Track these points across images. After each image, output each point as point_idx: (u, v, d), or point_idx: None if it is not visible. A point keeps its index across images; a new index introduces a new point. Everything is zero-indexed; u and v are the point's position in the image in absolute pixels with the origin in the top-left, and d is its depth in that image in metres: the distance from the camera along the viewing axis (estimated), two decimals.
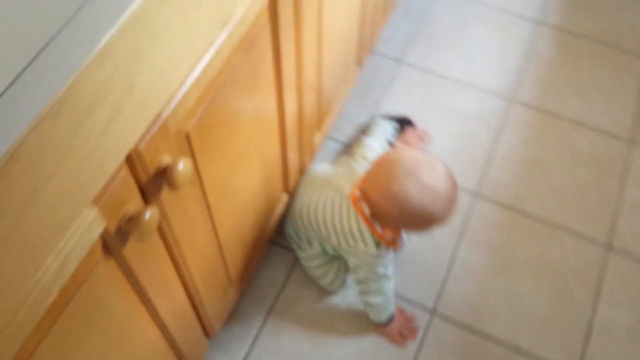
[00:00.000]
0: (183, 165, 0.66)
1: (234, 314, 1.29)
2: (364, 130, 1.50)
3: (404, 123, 1.51)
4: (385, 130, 1.43)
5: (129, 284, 0.73)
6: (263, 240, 1.22)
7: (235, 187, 0.94)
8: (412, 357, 1.26)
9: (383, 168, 1.04)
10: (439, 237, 1.41)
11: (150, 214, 0.63)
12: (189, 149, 0.73)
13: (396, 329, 1.26)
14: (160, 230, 0.75)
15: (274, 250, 1.38)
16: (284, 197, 1.26)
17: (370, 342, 1.28)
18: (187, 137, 0.71)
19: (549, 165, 1.52)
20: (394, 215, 1.01)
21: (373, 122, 1.50)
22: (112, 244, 0.64)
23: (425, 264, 1.37)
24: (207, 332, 1.12)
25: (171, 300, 0.88)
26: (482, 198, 1.46)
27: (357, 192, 1.08)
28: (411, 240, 1.36)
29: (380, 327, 1.26)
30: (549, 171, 1.51)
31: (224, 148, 0.83)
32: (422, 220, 1.02)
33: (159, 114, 0.62)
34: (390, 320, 1.24)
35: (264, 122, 0.95)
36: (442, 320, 1.30)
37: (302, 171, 1.32)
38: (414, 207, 0.99)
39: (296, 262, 1.36)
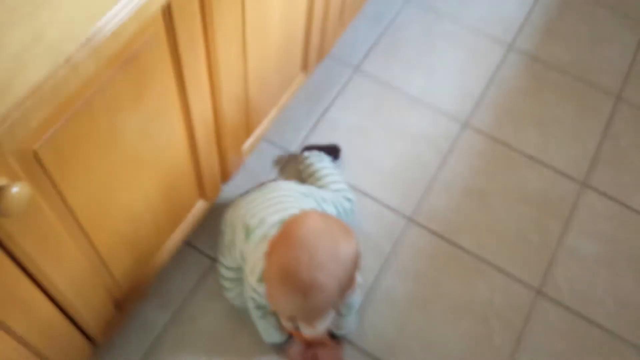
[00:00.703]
0: (19, 189, 0.60)
1: (134, 318, 1.24)
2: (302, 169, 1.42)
3: (331, 152, 1.43)
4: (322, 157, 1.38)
5: None
6: (169, 247, 1.16)
7: (119, 202, 0.88)
8: None
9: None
10: (364, 260, 1.35)
11: None
12: (40, 169, 0.66)
13: (300, 356, 1.20)
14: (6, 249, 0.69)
15: (190, 253, 1.32)
16: (201, 204, 1.20)
17: None
18: (36, 157, 0.65)
19: (492, 198, 1.46)
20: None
21: (304, 159, 1.41)
22: None
23: None
24: (90, 340, 1.07)
25: (31, 315, 0.82)
26: (416, 224, 1.41)
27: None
28: None
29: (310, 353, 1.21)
30: (490, 205, 1.45)
31: (96, 165, 0.77)
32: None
33: None
34: (288, 343, 1.18)
35: (158, 135, 0.88)
36: (352, 349, 1.25)
37: (226, 178, 1.26)
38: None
39: (210, 270, 1.30)
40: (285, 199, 1.11)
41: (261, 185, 1.21)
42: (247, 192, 1.21)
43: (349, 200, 1.30)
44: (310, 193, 1.19)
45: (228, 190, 1.34)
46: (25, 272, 0.75)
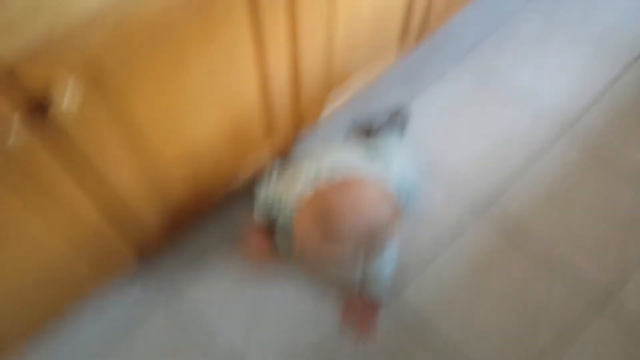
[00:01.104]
0: (70, 93, 0.70)
1: (187, 237, 1.35)
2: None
3: (397, 120, 1.44)
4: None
5: (16, 195, 0.79)
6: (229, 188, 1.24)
7: (182, 132, 0.97)
8: None
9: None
10: (423, 241, 1.36)
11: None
12: (109, 82, 0.76)
13: (360, 311, 1.25)
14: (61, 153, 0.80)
15: (247, 196, 1.38)
16: (267, 156, 1.27)
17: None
18: (103, 69, 0.74)
19: (576, 209, 1.40)
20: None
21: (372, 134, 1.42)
22: None
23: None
24: (137, 250, 1.18)
25: (77, 218, 0.93)
26: (485, 218, 1.39)
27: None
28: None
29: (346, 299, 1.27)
30: (572, 216, 1.39)
31: (163, 89, 0.85)
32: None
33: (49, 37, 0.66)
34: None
35: (227, 80, 0.95)
36: (387, 319, 1.29)
37: (298, 139, 1.31)
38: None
39: None
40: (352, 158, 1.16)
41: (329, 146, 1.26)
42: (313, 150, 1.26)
43: (412, 181, 1.30)
44: (375, 159, 1.22)
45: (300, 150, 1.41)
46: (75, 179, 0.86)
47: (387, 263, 1.14)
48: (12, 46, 0.63)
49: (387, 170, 1.22)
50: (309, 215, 0.91)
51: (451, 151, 1.47)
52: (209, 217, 1.35)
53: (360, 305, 1.26)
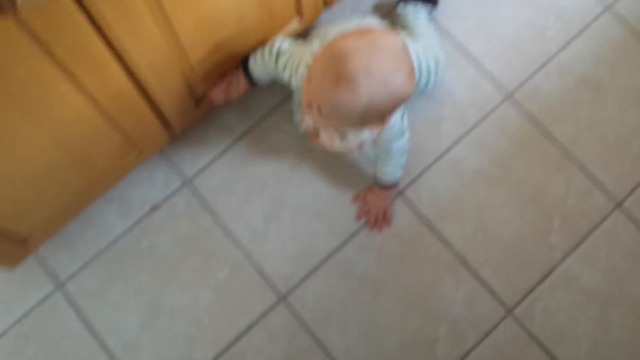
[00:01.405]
0: None
1: (214, 120, 1.31)
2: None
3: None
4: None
5: (41, 51, 0.75)
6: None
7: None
8: None
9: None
10: (443, 125, 1.31)
11: None
12: None
13: (377, 208, 1.23)
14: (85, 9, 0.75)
15: None
16: (296, 23, 1.19)
17: (337, 193, 1.28)
18: None
19: (607, 95, 1.33)
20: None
21: (400, 9, 1.31)
22: (2, 2, 0.64)
23: (414, 147, 1.28)
24: (167, 127, 1.15)
25: (105, 80, 0.89)
26: (513, 101, 1.32)
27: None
28: (411, 118, 1.28)
29: (362, 194, 1.25)
30: (602, 101, 1.32)
31: None
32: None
33: None
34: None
35: None
36: (404, 205, 1.27)
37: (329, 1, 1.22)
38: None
39: (291, 95, 1.32)
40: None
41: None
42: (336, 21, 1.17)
43: (437, 60, 1.22)
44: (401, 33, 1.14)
45: (329, 16, 1.31)
46: (102, 36, 0.81)
47: (399, 137, 1.10)
48: None
49: (412, 46, 1.14)
50: (324, 57, 0.87)
51: (488, 24, 1.37)
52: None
53: (375, 195, 1.23)
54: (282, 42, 1.11)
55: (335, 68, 0.84)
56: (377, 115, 0.90)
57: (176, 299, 1.23)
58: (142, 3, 0.82)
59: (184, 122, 1.18)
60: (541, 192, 1.27)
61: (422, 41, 1.23)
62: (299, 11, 1.17)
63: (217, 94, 1.18)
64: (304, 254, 1.24)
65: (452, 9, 1.37)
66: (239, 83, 1.19)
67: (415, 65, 1.15)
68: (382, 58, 0.85)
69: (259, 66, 1.14)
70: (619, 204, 1.27)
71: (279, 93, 1.32)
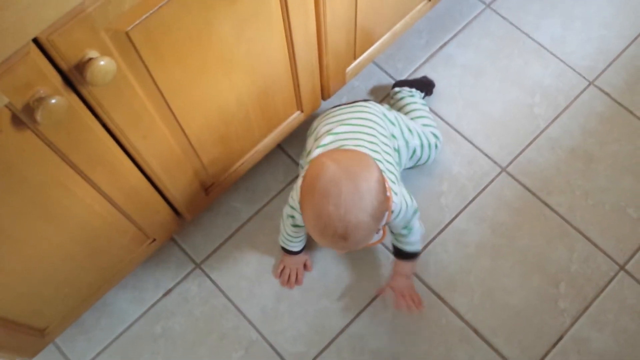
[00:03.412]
0: (105, 63, 0.70)
1: (222, 205, 1.37)
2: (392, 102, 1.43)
3: (424, 87, 1.42)
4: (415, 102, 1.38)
5: (57, 157, 0.81)
6: (261, 148, 1.25)
7: (210, 97, 0.97)
8: None
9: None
10: (443, 199, 1.37)
11: (56, 100, 0.68)
12: (132, 49, 0.76)
13: (407, 291, 1.25)
14: (100, 119, 0.82)
15: (281, 158, 1.41)
16: (298, 115, 1.27)
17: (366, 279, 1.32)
18: (128, 37, 0.74)
19: (598, 165, 1.39)
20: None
21: (395, 94, 1.41)
22: (23, 118, 0.70)
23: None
24: (179, 214, 1.21)
25: (119, 180, 0.95)
26: (509, 175, 1.39)
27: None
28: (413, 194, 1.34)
29: (385, 285, 1.27)
30: (595, 171, 1.39)
31: (187, 56, 0.85)
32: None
33: (80, 8, 0.65)
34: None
35: (254, 40, 0.95)
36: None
37: (326, 94, 1.31)
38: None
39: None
40: (369, 120, 1.15)
41: (353, 102, 1.25)
42: (337, 106, 1.25)
43: (436, 137, 1.30)
44: (397, 121, 1.21)
45: (328, 104, 1.39)
46: (114, 140, 0.88)
47: (412, 211, 1.13)
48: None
49: (408, 128, 1.22)
50: (319, 234, 0.91)
51: (478, 104, 1.45)
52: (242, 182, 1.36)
53: (399, 277, 1.25)
54: (286, 208, 1.16)
55: (331, 236, 0.90)
56: (383, 206, 0.93)
57: None
58: (153, 109, 0.88)
59: (195, 211, 1.24)
60: (545, 259, 1.31)
61: (420, 120, 1.31)
62: (299, 106, 1.25)
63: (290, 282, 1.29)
64: (316, 332, 1.26)
65: (442, 93, 1.47)
66: (295, 264, 1.27)
67: (418, 142, 1.23)
68: (345, 194, 0.88)
69: (286, 237, 1.21)
70: (622, 267, 1.30)
71: (282, 179, 1.39)
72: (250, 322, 1.27)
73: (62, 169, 0.83)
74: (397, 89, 1.40)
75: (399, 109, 1.36)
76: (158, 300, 1.30)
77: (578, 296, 1.27)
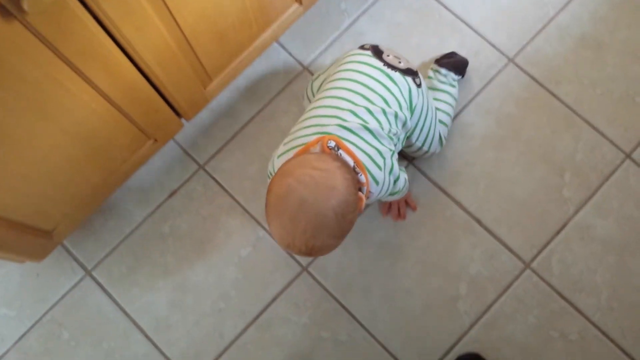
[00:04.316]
0: None
1: (223, 105, 1.35)
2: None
3: (459, 67, 1.32)
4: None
5: (50, 51, 0.78)
6: (260, 44, 1.21)
7: None
8: None
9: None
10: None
11: None
12: None
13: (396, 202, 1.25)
14: (90, 10, 0.78)
15: (281, 56, 1.37)
16: (296, 8, 1.22)
17: None
18: None
19: (608, 53, 1.35)
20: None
21: (436, 71, 1.31)
22: (9, 7, 0.68)
23: None
24: (179, 114, 1.19)
25: (115, 76, 0.92)
26: (516, 66, 1.35)
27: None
28: None
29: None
30: (604, 59, 1.34)
31: None
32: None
33: None
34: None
35: None
36: (416, 171, 1.30)
37: None
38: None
39: (299, 76, 1.36)
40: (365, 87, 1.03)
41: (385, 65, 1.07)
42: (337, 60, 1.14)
43: (441, 139, 1.23)
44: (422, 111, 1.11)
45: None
46: (109, 35, 0.84)
47: (396, 182, 1.06)
48: None
49: (426, 107, 1.12)
50: (276, 235, 0.88)
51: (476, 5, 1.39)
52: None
53: (392, 204, 1.26)
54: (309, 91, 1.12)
55: (297, 253, 0.88)
56: (349, 222, 0.89)
57: (202, 277, 1.26)
58: (145, 1, 0.84)
59: (194, 110, 1.22)
60: (550, 150, 1.30)
61: (439, 114, 1.24)
62: None
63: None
64: None
65: None
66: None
67: (428, 133, 1.16)
68: (305, 221, 0.84)
69: None
70: (628, 155, 1.28)
71: (283, 77, 1.36)
72: (256, 220, 1.28)
73: (56, 65, 0.81)
74: (444, 71, 1.30)
75: (433, 89, 1.28)
76: (164, 201, 1.31)
77: (583, 185, 1.27)
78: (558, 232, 1.25)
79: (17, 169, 0.93)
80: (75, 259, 1.28)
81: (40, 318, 1.25)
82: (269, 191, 0.88)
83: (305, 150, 0.94)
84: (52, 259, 1.27)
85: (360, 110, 0.99)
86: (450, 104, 1.28)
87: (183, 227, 1.29)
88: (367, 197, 0.97)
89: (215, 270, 1.26)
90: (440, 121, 1.23)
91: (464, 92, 1.34)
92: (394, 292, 1.23)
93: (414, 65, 1.09)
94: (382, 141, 0.98)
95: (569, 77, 1.34)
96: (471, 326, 1.22)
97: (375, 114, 0.99)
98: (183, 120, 1.23)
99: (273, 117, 1.34)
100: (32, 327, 1.25)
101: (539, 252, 1.24)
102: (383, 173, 0.98)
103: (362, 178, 0.93)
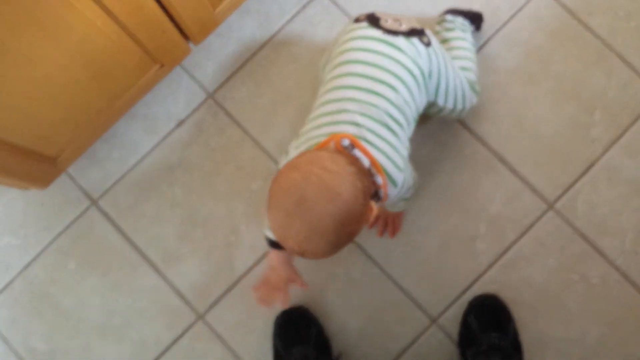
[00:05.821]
0: None
1: (233, 29, 1.27)
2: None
3: (474, 20, 1.21)
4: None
5: None
6: None
7: None
8: None
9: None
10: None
11: None
12: None
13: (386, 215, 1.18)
14: None
15: None
16: None
17: None
18: None
19: None
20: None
21: (446, 21, 1.20)
22: None
23: None
24: (187, 37, 1.12)
25: None
26: None
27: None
28: None
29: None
30: None
31: None
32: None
33: None
34: None
35: None
36: None
37: None
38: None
39: (312, 1, 1.27)
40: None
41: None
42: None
43: (473, 88, 1.11)
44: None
45: None
46: None
47: (410, 186, 1.01)
48: None
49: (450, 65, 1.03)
50: (273, 227, 0.82)
51: None
52: None
53: (385, 217, 1.19)
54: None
55: (290, 249, 0.81)
56: (348, 237, 0.82)
57: (212, 210, 1.22)
58: None
59: (203, 32, 1.15)
60: (580, 86, 1.23)
61: (459, 62, 1.13)
62: None
63: (270, 300, 1.05)
64: None
65: None
66: (280, 267, 1.04)
67: (455, 90, 1.06)
68: (306, 223, 0.79)
69: None
70: None
71: (297, 1, 1.27)
72: (267, 153, 1.23)
73: None
74: (449, 17, 1.19)
75: (445, 41, 1.17)
76: (172, 131, 1.25)
77: (612, 124, 1.21)
78: (584, 173, 1.20)
79: (19, 87, 0.88)
80: (81, 188, 1.24)
81: (46, 247, 1.22)
82: (274, 180, 0.82)
83: (321, 147, 0.87)
84: (56, 188, 1.23)
85: (369, 109, 0.91)
86: (465, 48, 1.16)
87: (192, 159, 1.24)
88: (384, 201, 0.90)
89: (225, 203, 1.22)
90: (464, 68, 1.13)
91: (489, 23, 1.25)
92: (409, 230, 1.19)
93: (417, 23, 0.98)
94: (400, 137, 0.92)
95: (602, 8, 1.25)
96: (489, 266, 1.18)
97: (386, 110, 0.91)
98: (191, 45, 1.17)
99: (286, 44, 1.27)
100: (37, 256, 1.23)
101: (564, 193, 1.19)
102: (403, 175, 0.91)
103: (379, 180, 0.86)
